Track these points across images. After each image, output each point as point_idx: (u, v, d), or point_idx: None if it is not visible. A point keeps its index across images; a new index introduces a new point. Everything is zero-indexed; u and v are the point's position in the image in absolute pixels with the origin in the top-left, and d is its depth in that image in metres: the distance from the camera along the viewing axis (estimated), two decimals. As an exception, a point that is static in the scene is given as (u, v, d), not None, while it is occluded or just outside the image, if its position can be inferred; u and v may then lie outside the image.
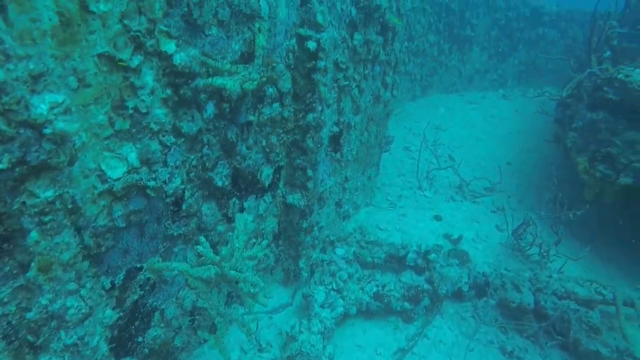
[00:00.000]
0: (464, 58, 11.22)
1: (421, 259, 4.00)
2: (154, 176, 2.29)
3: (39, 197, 1.77)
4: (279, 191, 3.54)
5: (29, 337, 1.92)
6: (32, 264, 1.84)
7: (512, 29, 11.95)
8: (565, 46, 12.81)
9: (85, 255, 2.06)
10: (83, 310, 2.10)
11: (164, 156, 2.37)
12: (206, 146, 2.63)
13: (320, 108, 3.25)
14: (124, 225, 2.24)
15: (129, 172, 2.18)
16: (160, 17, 2.11)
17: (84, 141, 1.91)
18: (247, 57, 2.70)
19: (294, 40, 3.10)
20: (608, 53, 5.92)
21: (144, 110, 2.16)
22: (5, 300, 1.80)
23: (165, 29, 2.15)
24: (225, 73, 2.41)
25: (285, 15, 2.98)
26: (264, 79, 2.48)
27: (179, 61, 2.21)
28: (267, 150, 3.17)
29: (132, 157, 2.19)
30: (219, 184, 2.75)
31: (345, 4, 3.63)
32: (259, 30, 2.68)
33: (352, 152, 4.42)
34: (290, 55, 3.11)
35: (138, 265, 2.48)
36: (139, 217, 2.35)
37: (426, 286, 3.84)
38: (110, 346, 2.36)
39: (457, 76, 11.22)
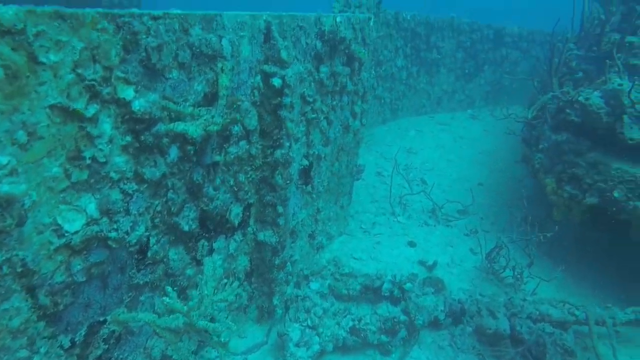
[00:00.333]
0: (432, 80, 11.41)
1: (397, 288, 3.95)
2: (115, 227, 2.20)
3: (-14, 262, 1.67)
4: (249, 228, 3.47)
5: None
6: (-18, 332, 1.73)
7: (476, 50, 12.25)
8: (529, 66, 13.22)
9: (40, 315, 1.95)
10: (40, 375, 1.98)
11: (126, 204, 2.29)
12: (171, 190, 2.56)
13: (288, 144, 3.21)
14: (84, 279, 2.15)
15: (88, 224, 2.09)
16: (117, 63, 2.06)
17: (35, 199, 1.82)
18: (210, 98, 2.65)
19: (258, 77, 3.08)
20: (580, 74, 6.08)
21: (103, 160, 2.08)
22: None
23: (123, 75, 2.09)
24: (188, 117, 2.36)
25: (248, 53, 2.95)
26: (228, 120, 2.44)
27: (138, 107, 2.15)
28: (236, 189, 3.11)
29: (91, 208, 2.10)
30: (186, 228, 2.67)
31: (309, 37, 3.63)
32: (222, 70, 2.64)
33: (323, 183, 4.39)
34: (256, 92, 3.08)
35: (101, 319, 2.37)
36: (101, 268, 2.25)
37: (402, 317, 3.80)
38: (72, 408, 2.23)
39: (426, 98, 11.39)
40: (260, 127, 3.20)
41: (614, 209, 4.29)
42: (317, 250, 4.72)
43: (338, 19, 3.96)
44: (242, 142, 3.05)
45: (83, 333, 2.26)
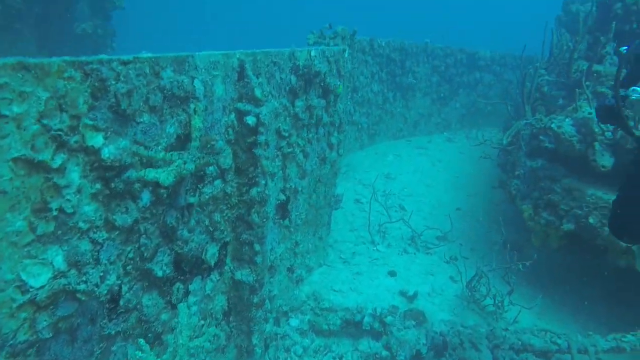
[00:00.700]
0: (409, 104, 11.57)
1: (378, 322, 3.91)
2: (84, 278, 2.12)
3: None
4: (226, 267, 3.40)
5: None
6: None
7: (451, 74, 12.50)
8: (502, 88, 13.53)
9: (3, 379, 1.85)
10: None
11: (96, 253, 2.21)
12: (143, 236, 2.48)
13: (264, 182, 3.18)
14: (50, 335, 2.05)
15: (55, 277, 2.00)
16: (85, 111, 2.00)
17: (-4, 258, 1.74)
18: (183, 139, 2.61)
19: (232, 115, 3.05)
20: (560, 101, 6.21)
21: (70, 210, 2.01)
22: None
23: (91, 122, 2.04)
24: (160, 161, 2.31)
25: (222, 92, 2.93)
26: (201, 163, 2.40)
27: (107, 155, 2.09)
28: (211, 229, 3.05)
29: (59, 260, 2.02)
30: (160, 274, 2.60)
31: (284, 73, 3.63)
32: (195, 111, 2.61)
33: (301, 216, 4.35)
34: (230, 130, 3.05)
35: (70, 375, 2.26)
36: (69, 322, 2.15)
37: (384, 353, 3.74)
38: None
39: (402, 122, 11.53)
40: (236, 164, 3.16)
41: (590, 234, 4.35)
42: (296, 284, 4.64)
43: (312, 53, 3.98)
44: (217, 181, 3.00)
45: (50, 391, 2.15)
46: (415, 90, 11.61)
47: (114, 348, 2.54)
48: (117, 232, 2.30)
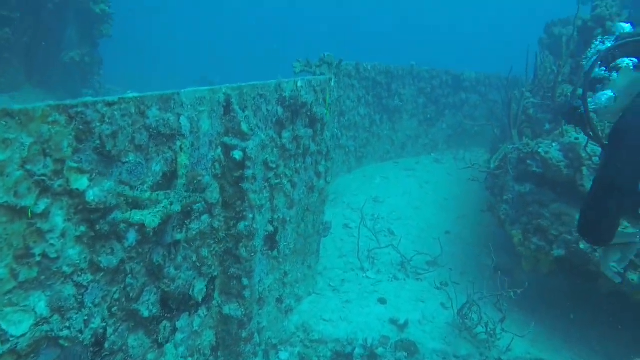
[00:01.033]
0: (395, 126, 11.66)
1: (368, 354, 3.87)
2: (67, 324, 2.08)
3: None
4: (214, 302, 3.36)
5: None
6: None
7: (437, 95, 12.64)
8: (487, 109, 13.70)
9: None
10: None
11: (81, 297, 2.17)
12: (129, 275, 2.45)
13: (251, 216, 3.16)
14: (33, 383, 2.00)
15: (37, 324, 1.96)
16: (70, 154, 1.99)
17: (-23, 311, 1.71)
18: (170, 176, 2.60)
19: (219, 150, 3.05)
20: (547, 126, 6.28)
21: (54, 255, 1.98)
22: None
23: (76, 165, 2.02)
24: (146, 201, 2.29)
25: (208, 127, 2.93)
26: (188, 202, 2.38)
27: (92, 198, 2.07)
28: (199, 264, 3.02)
29: (41, 306, 1.98)
30: (146, 314, 2.56)
31: (270, 104, 3.65)
32: (181, 148, 2.60)
33: (290, 246, 4.33)
34: (217, 164, 3.04)
35: (53, 422, 2.20)
36: (52, 369, 2.10)
37: (376, 384, 3.70)
38: None
39: (390, 144, 11.60)
40: (223, 198, 3.15)
41: (581, 260, 4.36)
42: (285, 314, 4.60)
43: (299, 84, 4.01)
44: (204, 216, 2.99)
45: None
46: (402, 112, 11.72)
47: (99, 392, 2.48)
48: (102, 274, 2.27)
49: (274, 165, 3.72)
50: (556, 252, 4.48)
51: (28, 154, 1.83)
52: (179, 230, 2.77)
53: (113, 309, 2.40)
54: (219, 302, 3.40)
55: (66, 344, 2.08)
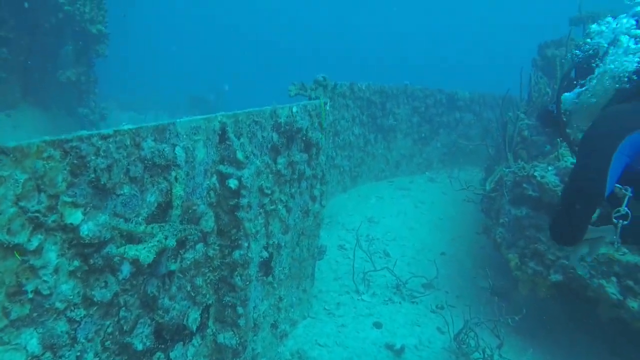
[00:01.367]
0: (390, 145, 11.72)
1: (364, 381, 3.83)
2: (59, 361, 2.05)
3: None
4: (208, 330, 3.32)
5: None
6: None
7: (431, 114, 12.74)
8: (482, 127, 13.79)
9: None
10: None
11: (73, 332, 2.14)
12: (123, 308, 2.43)
13: (246, 244, 3.15)
14: (23, 423, 1.96)
15: (28, 362, 1.94)
16: (64, 189, 1.99)
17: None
18: (164, 207, 2.59)
19: (214, 178, 3.05)
20: (548, 147, 6.32)
21: (47, 292, 1.96)
22: None
23: (70, 199, 2.02)
24: (140, 235, 2.28)
25: (203, 155, 2.93)
26: (183, 235, 2.37)
27: (86, 232, 2.06)
28: (193, 294, 3.00)
29: (33, 343, 1.96)
30: (140, 347, 2.52)
31: (265, 131, 3.66)
32: (176, 179, 2.60)
33: (285, 270, 4.31)
34: (212, 193, 3.04)
35: None
36: (43, 406, 2.07)
37: (372, 413, 3.66)
38: None
39: (384, 163, 11.64)
40: (218, 226, 3.14)
41: (579, 285, 4.34)
42: (280, 339, 4.55)
43: (294, 109, 4.03)
44: (199, 245, 2.97)
45: None
46: (397, 131, 11.80)
47: None
48: (95, 308, 2.25)
49: (269, 192, 3.72)
50: (553, 277, 4.46)
51: (22, 191, 1.83)
52: (173, 260, 2.75)
53: (106, 343, 2.37)
54: (214, 330, 3.36)
55: (58, 382, 2.05)
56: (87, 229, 2.07)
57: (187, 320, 2.99)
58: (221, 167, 3.06)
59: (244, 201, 3.05)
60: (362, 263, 6.35)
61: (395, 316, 5.24)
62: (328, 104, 4.81)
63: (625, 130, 2.42)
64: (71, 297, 2.09)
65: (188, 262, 2.87)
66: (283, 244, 4.14)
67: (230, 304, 3.27)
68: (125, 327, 2.46)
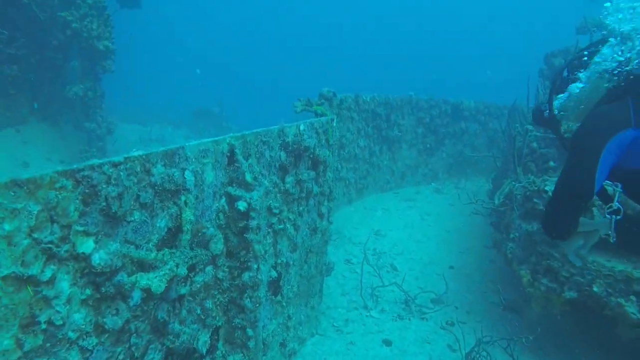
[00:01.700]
0: (395, 157, 11.73)
1: (375, 401, 3.80)
2: (71, 391, 2.05)
3: None
4: (218, 352, 3.31)
5: None
6: None
7: (436, 125, 12.74)
8: (487, 137, 13.76)
9: None
10: None
11: (85, 360, 2.14)
12: (134, 335, 2.43)
13: (256, 266, 3.15)
14: None
15: (41, 393, 1.94)
16: (76, 218, 2.00)
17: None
18: (174, 231, 2.60)
19: (223, 200, 3.05)
20: (552, 163, 6.28)
21: (60, 322, 1.96)
22: None
23: (82, 228, 2.03)
24: (151, 261, 2.29)
25: (212, 178, 2.94)
26: (194, 261, 2.38)
27: (98, 261, 2.07)
28: (203, 317, 2.99)
29: (46, 374, 1.96)
30: (150, 373, 2.52)
31: (273, 150, 3.67)
32: (185, 203, 2.61)
33: (293, 289, 4.30)
34: (221, 215, 3.05)
35: None
36: None
37: None
38: None
39: (390, 174, 11.64)
40: (227, 248, 3.14)
41: (596, 303, 4.25)
42: (289, 358, 4.53)
43: (301, 127, 4.04)
44: (209, 268, 2.97)
45: None
46: (402, 142, 11.81)
47: None
48: (107, 335, 2.25)
49: (278, 211, 3.72)
50: (568, 295, 4.36)
51: (36, 222, 1.84)
52: (183, 284, 2.75)
53: (117, 370, 2.36)
54: (223, 352, 3.35)
55: (70, 411, 2.05)
56: (99, 258, 2.08)
57: (197, 343, 2.98)
58: (230, 189, 3.07)
59: (253, 223, 3.05)
60: (370, 278, 6.32)
61: (405, 333, 5.21)
62: (335, 121, 4.82)
63: (613, 130, 2.52)
64: (83, 325, 2.09)
65: (198, 286, 2.87)
66: (291, 263, 4.13)
67: (240, 325, 3.26)
68: (136, 354, 2.45)
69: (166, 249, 2.42)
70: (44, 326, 1.91)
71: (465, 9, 53.54)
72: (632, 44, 2.71)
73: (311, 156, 4.23)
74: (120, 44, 10.89)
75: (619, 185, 2.67)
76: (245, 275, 3.13)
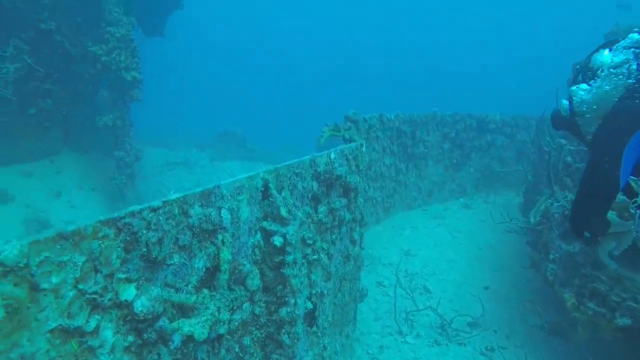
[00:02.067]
0: (421, 174, 11.62)
1: None
2: None
3: None
4: (256, 388, 3.28)
5: None
6: None
7: (462, 139, 12.59)
8: (516, 149, 13.53)
9: None
10: None
11: (128, 408, 2.14)
12: (175, 377, 2.42)
13: (293, 301, 3.12)
14: None
15: None
16: (118, 266, 2.01)
17: None
18: (212, 270, 2.60)
19: (258, 235, 3.05)
20: None
21: (104, 372, 1.97)
22: None
23: (124, 275, 2.04)
24: (192, 305, 2.28)
25: (247, 214, 2.94)
26: (234, 304, 2.37)
27: (140, 309, 2.07)
28: (241, 354, 2.97)
29: None
30: (191, 418, 2.50)
31: (306, 181, 3.66)
32: (223, 242, 2.61)
33: (328, 318, 4.25)
34: (257, 250, 3.04)
35: None
36: None
37: None
38: None
39: (416, 192, 11.53)
40: (263, 283, 3.12)
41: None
42: (326, 389, 4.46)
43: (332, 156, 4.03)
44: (246, 305, 2.95)
45: None
46: (428, 158, 11.71)
47: None
48: (149, 380, 2.25)
49: (311, 241, 3.70)
50: (620, 321, 4.11)
51: (81, 274, 1.85)
52: (222, 324, 2.74)
53: (159, 415, 2.35)
54: (261, 387, 3.32)
55: None
56: (141, 305, 2.08)
57: (236, 381, 2.96)
58: (265, 224, 3.06)
59: (289, 258, 3.03)
60: (402, 300, 6.21)
61: (443, 360, 5.09)
62: (364, 146, 4.80)
63: (634, 126, 2.54)
64: (127, 373, 2.09)
65: (236, 324, 2.85)
66: (326, 292, 4.09)
67: (278, 361, 3.22)
68: (177, 397, 2.44)
69: (205, 290, 2.42)
70: (89, 377, 1.92)
71: (491, 20, 53.35)
72: None
73: (343, 184, 4.20)
74: (147, 72, 11.15)
75: None
76: (283, 311, 3.11)
